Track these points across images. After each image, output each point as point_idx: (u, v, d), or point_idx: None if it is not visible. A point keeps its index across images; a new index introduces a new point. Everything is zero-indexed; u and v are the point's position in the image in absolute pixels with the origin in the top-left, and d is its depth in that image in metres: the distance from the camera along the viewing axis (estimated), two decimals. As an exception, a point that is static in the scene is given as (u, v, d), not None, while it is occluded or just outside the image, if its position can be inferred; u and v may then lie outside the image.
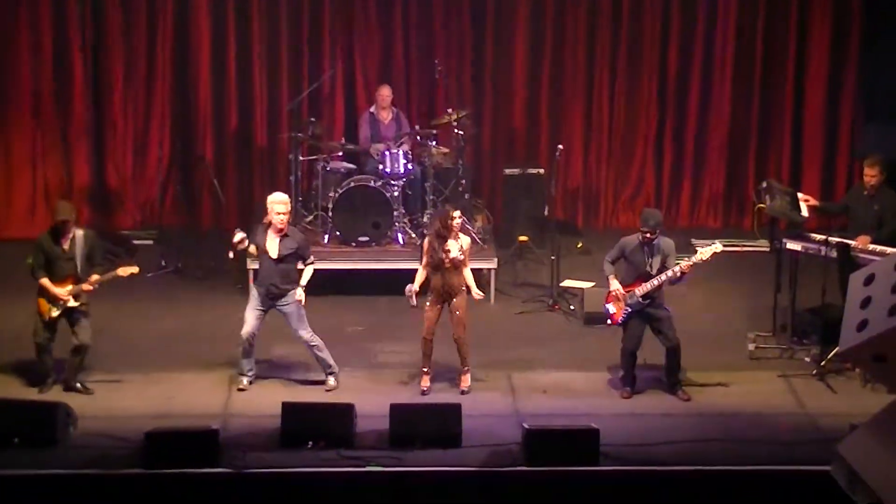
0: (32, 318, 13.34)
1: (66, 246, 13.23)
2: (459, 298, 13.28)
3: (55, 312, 13.20)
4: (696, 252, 13.45)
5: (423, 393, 13.33)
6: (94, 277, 13.21)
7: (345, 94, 18.42)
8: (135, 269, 13.56)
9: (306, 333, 13.42)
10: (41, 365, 13.36)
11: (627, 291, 13.28)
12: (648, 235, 13.24)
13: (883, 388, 12.66)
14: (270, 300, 13.37)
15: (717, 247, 13.45)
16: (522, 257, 17.28)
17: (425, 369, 13.42)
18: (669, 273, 13.19)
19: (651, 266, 13.27)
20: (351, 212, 16.21)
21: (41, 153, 18.17)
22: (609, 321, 13.53)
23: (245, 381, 13.45)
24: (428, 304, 13.35)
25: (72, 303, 13.18)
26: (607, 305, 13.45)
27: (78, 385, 13.31)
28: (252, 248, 13.58)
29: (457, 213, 13.37)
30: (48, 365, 13.37)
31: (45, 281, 13.18)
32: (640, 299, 13.24)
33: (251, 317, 13.38)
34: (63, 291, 13.14)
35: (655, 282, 13.21)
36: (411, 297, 13.44)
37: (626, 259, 13.42)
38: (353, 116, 18.16)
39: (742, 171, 18.82)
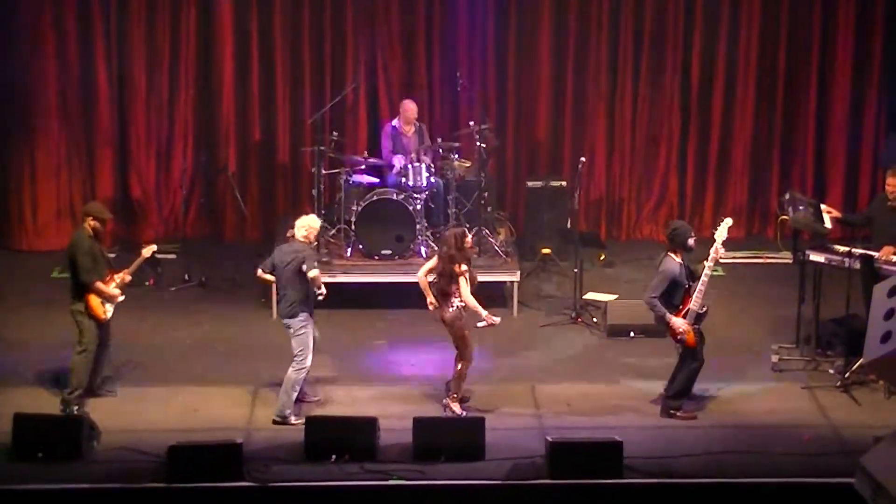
0: (74, 328, 13.16)
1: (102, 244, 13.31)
2: None
3: (110, 312, 13.19)
4: (714, 242, 13.08)
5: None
6: (131, 268, 13.29)
7: (367, 108, 18.43)
8: (154, 247, 13.73)
9: None
10: (94, 375, 13.26)
11: (687, 310, 12.97)
12: (695, 241, 13.07)
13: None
14: None
15: (728, 221, 13.22)
16: (545, 269, 17.26)
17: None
18: (706, 275, 12.92)
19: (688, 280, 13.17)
20: (374, 225, 16.19)
21: (65, 165, 18.16)
22: (682, 345, 12.99)
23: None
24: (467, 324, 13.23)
25: (120, 298, 13.23)
26: (678, 338, 13.00)
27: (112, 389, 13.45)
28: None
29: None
30: (100, 374, 13.34)
31: (99, 285, 13.07)
32: (700, 311, 12.97)
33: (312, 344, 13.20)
34: (115, 290, 13.18)
35: (702, 288, 12.95)
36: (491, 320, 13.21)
37: (674, 283, 12.97)
38: (375, 130, 18.12)
39: (765, 182, 18.77)
